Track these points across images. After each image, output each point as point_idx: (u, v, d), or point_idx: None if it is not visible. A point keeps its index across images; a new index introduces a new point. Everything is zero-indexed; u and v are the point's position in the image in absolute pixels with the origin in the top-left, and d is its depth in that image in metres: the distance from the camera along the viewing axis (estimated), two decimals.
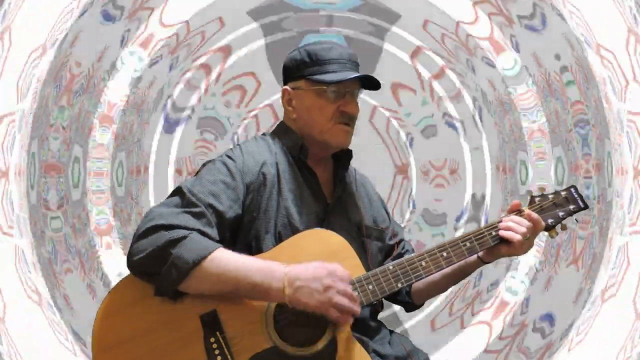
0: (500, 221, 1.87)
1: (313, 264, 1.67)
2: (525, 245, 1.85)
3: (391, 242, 2.05)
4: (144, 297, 1.68)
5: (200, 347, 1.68)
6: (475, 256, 1.92)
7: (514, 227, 1.83)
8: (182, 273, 1.63)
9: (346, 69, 1.88)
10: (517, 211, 1.90)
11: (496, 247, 1.87)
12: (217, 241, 1.72)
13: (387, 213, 2.12)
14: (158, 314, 1.68)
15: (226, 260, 1.66)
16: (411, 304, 2.09)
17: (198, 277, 1.64)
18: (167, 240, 1.63)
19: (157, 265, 1.64)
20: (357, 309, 1.68)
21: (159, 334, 1.68)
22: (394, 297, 2.06)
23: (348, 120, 1.89)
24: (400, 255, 2.04)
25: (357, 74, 1.87)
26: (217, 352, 1.67)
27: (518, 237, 1.82)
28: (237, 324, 1.70)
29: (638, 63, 2.92)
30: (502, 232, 1.84)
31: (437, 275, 1.94)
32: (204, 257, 1.64)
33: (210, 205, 1.73)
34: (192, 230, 1.67)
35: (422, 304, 2.11)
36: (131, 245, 1.69)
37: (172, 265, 1.63)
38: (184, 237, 1.64)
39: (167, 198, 1.79)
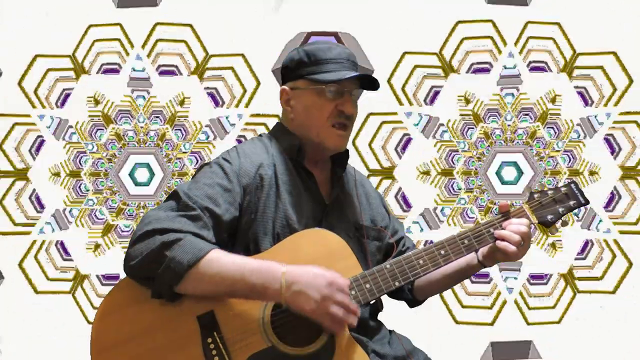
0: (499, 219, 1.85)
1: (313, 269, 1.65)
2: (520, 251, 1.83)
3: (390, 241, 2.04)
4: (142, 298, 1.68)
5: (198, 347, 1.67)
6: (475, 260, 1.92)
7: (508, 236, 1.81)
8: (178, 275, 1.62)
9: (345, 68, 1.87)
10: (505, 213, 1.87)
11: (493, 251, 1.86)
12: (214, 244, 1.71)
13: (387, 211, 2.10)
14: (156, 314, 1.68)
15: (222, 260, 1.65)
16: (414, 301, 2.09)
17: (194, 278, 1.63)
18: (161, 243, 1.63)
19: (153, 269, 1.63)
20: (352, 320, 1.65)
21: (157, 334, 1.67)
22: (397, 294, 2.06)
23: (345, 119, 1.88)
24: (401, 253, 2.02)
25: (355, 73, 1.85)
26: (214, 352, 1.67)
27: (512, 248, 1.80)
28: (234, 325, 1.69)
29: None
30: (497, 243, 1.82)
31: (437, 274, 1.94)
32: (200, 258, 1.63)
33: (206, 209, 1.73)
34: (186, 233, 1.66)
35: (425, 300, 2.10)
36: (127, 250, 1.69)
37: (168, 268, 1.62)
38: (178, 240, 1.64)
39: (164, 202, 1.78)
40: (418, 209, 3.20)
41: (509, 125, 3.20)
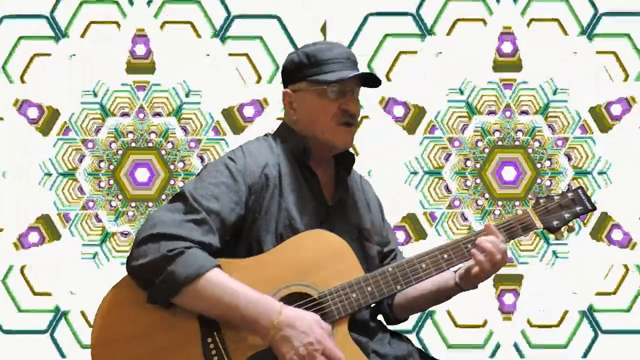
0: (502, 223, 1.95)
1: (310, 321, 1.71)
2: (498, 265, 1.88)
3: (385, 250, 2.13)
4: (143, 297, 1.74)
5: (198, 347, 1.72)
6: (452, 281, 1.98)
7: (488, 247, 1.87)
8: (174, 289, 1.70)
9: (346, 67, 1.97)
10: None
11: (469, 270, 1.90)
12: (218, 249, 1.79)
13: (384, 220, 2.20)
14: (157, 313, 1.73)
15: (220, 284, 1.72)
16: (391, 318, 2.13)
17: (191, 295, 1.70)
18: (164, 254, 1.70)
19: (153, 276, 1.71)
20: None
21: (157, 334, 1.72)
22: (378, 307, 2.12)
23: (350, 118, 1.97)
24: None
25: (357, 72, 1.96)
26: (214, 352, 1.70)
27: (480, 257, 1.86)
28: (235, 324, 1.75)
29: None
30: (472, 252, 1.89)
31: (414, 292, 2.02)
32: (199, 276, 1.70)
33: (212, 211, 1.80)
34: (192, 243, 1.74)
35: (406, 319, 2.16)
36: (132, 249, 1.75)
37: (166, 280, 1.70)
38: (182, 253, 1.71)
39: (170, 202, 1.85)
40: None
41: (507, 119, 3.02)
